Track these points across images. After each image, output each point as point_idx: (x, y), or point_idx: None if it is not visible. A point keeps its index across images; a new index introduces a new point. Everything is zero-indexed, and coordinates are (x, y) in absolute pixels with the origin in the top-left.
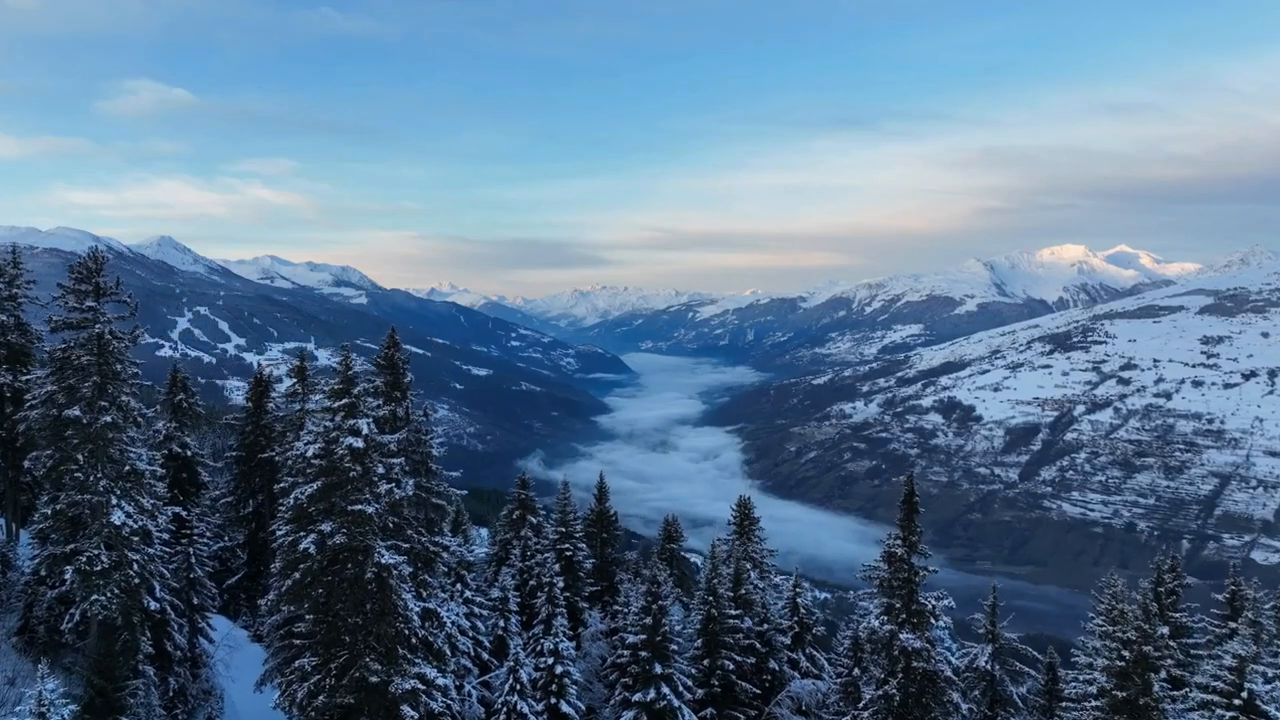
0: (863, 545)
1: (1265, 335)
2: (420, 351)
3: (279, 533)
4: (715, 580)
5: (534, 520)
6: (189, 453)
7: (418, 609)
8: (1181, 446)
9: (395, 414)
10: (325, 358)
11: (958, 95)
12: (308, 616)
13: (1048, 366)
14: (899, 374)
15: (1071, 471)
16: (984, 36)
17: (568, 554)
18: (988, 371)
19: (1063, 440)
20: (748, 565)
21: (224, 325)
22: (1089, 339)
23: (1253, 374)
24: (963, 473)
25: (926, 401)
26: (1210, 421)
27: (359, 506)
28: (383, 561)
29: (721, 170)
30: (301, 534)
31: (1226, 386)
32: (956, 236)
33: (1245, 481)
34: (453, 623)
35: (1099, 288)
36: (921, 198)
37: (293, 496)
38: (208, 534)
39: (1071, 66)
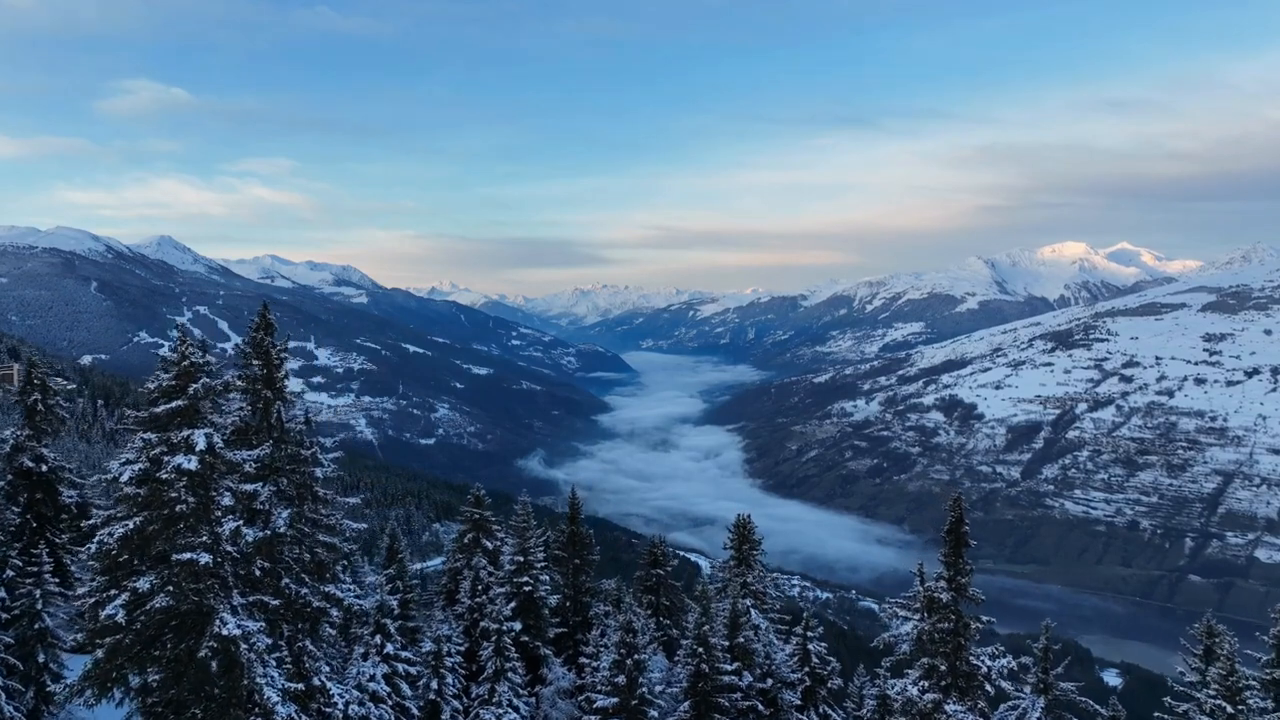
0: (864, 544)
1: (1268, 332)
2: (421, 350)
3: (80, 591)
4: (706, 628)
5: (490, 545)
6: (46, 467)
7: (278, 694)
8: (1184, 444)
9: (266, 421)
10: (325, 356)
11: (957, 93)
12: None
13: (1049, 364)
14: (900, 372)
15: (1074, 470)
16: (983, 33)
17: (527, 588)
18: (989, 369)
19: (1065, 438)
20: (747, 603)
21: (223, 325)
22: (1091, 337)
23: (1255, 371)
24: (964, 471)
25: (928, 400)
26: (1213, 419)
27: (190, 555)
28: (225, 633)
29: (721, 169)
30: (112, 593)
31: (1229, 384)
32: (957, 234)
33: (1249, 479)
34: (348, 700)
35: (1100, 285)
36: (922, 195)
37: (97, 540)
38: (73, 568)
39: (1071, 63)
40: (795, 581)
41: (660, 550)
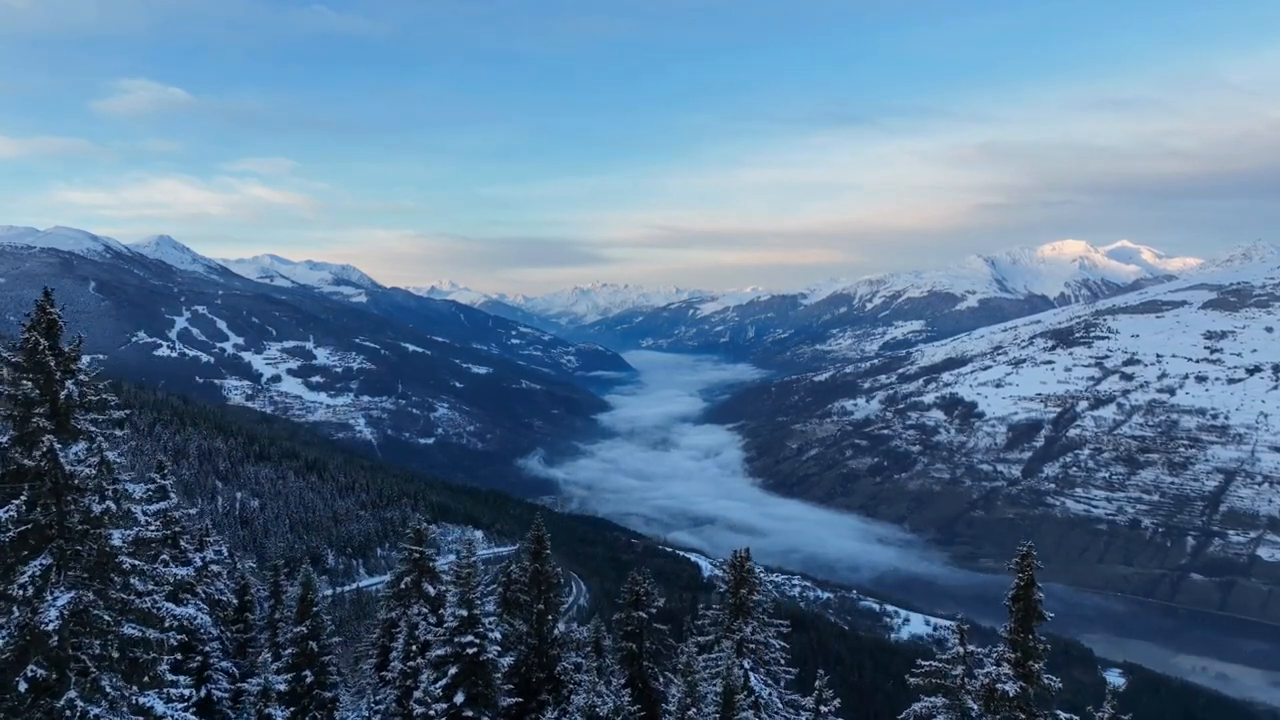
0: (865, 543)
1: (1269, 330)
2: (420, 350)
3: None
4: (693, 710)
5: (433, 590)
6: None
7: None
8: (1185, 442)
9: (38, 464)
10: (324, 356)
11: (956, 91)
12: None
13: (1050, 362)
14: (900, 370)
15: (1075, 468)
16: (982, 32)
17: (471, 651)
18: (990, 368)
19: (1066, 437)
20: (746, 665)
21: (222, 324)
22: (1091, 334)
23: (1257, 369)
24: (965, 470)
25: (928, 398)
26: (1214, 417)
27: None
28: None
29: (721, 167)
30: None
31: (1230, 382)
32: (957, 233)
33: (1250, 477)
34: None
35: (1100, 283)
36: (921, 194)
37: None
38: None
39: (1070, 61)
40: (796, 581)
41: (643, 589)
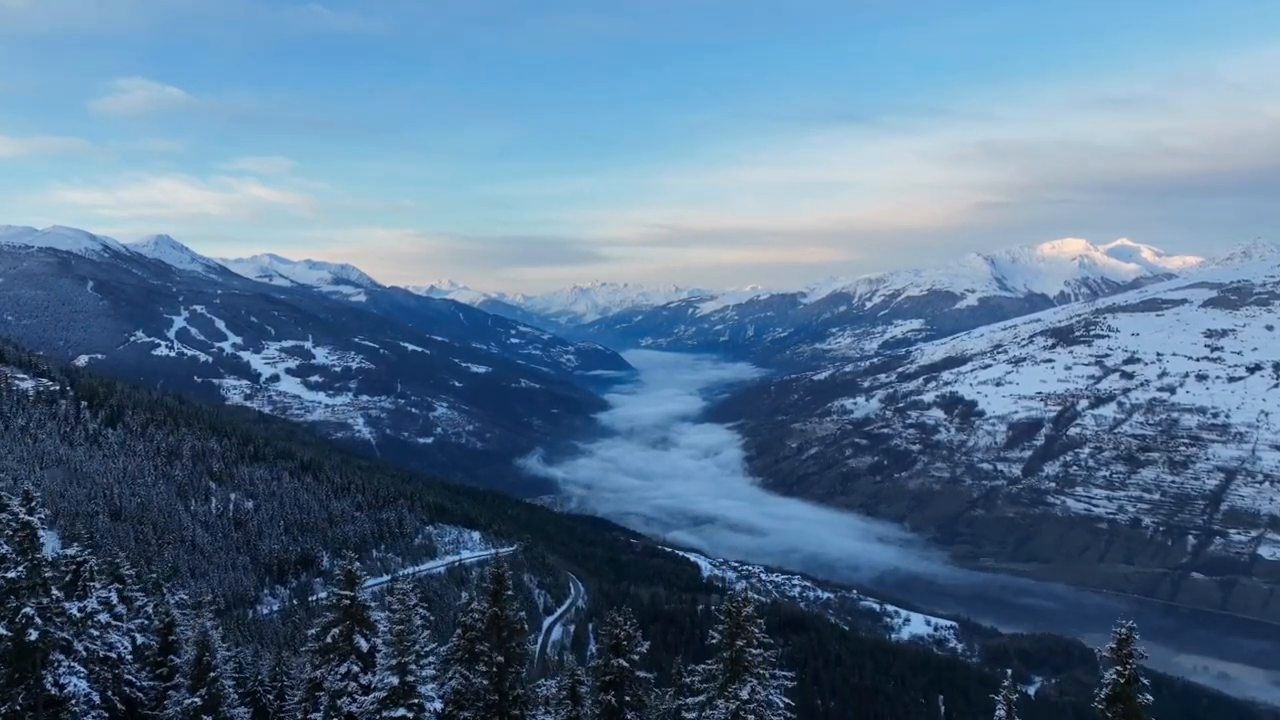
0: (865, 542)
1: (1270, 328)
2: (419, 349)
3: None
4: None
5: (365, 644)
6: None
7: None
8: (1186, 441)
9: None
10: (323, 355)
11: (955, 90)
12: None
13: (1050, 361)
14: (900, 369)
15: (1075, 467)
16: (981, 30)
17: None
18: (990, 366)
19: (1066, 435)
20: None
21: (221, 324)
22: (1091, 333)
23: (1258, 367)
24: (965, 469)
25: (928, 397)
26: (1215, 415)
27: None
28: None
29: (720, 166)
30: None
31: (1231, 380)
32: (957, 231)
33: (1251, 476)
34: None
35: (1100, 281)
36: (920, 192)
37: None
38: None
39: (1069, 60)
40: (796, 581)
41: (624, 631)
